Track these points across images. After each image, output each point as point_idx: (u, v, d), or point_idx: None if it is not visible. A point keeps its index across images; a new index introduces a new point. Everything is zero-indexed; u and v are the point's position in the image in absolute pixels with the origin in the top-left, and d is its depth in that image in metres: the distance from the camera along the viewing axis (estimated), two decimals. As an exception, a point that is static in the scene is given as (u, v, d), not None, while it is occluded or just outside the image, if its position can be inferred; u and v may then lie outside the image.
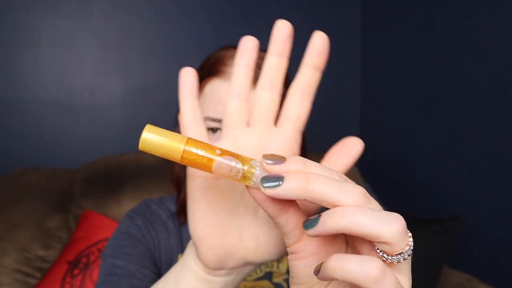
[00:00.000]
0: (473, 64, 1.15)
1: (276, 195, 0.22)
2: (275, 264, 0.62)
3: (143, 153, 1.34)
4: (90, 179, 1.26)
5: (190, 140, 0.24)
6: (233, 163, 0.23)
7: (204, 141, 0.28)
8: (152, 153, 0.23)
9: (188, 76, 0.29)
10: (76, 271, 1.05)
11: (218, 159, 0.23)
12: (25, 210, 1.17)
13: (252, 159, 0.24)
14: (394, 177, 1.53)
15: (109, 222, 1.17)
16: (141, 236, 0.59)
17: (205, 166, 0.24)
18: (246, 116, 0.29)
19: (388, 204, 1.45)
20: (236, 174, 0.24)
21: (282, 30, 0.29)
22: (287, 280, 0.61)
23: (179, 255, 0.61)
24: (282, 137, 0.30)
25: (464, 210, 1.17)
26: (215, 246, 0.30)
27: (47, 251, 1.12)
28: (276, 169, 0.23)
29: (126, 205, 1.20)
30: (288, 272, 0.62)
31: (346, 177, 0.24)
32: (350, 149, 0.30)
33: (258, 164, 0.24)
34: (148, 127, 0.23)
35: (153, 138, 0.23)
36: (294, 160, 0.23)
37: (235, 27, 1.58)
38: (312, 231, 0.22)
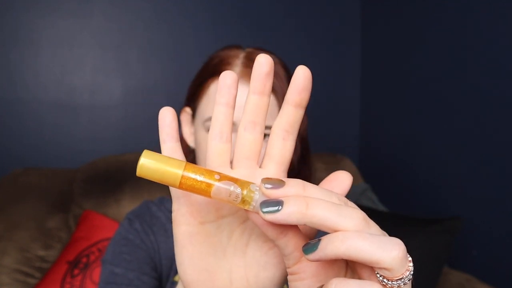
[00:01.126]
0: (473, 64, 1.15)
1: (275, 220, 0.22)
2: None
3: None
4: (90, 179, 1.26)
5: (188, 165, 0.24)
6: (232, 187, 0.24)
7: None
8: (150, 179, 0.23)
9: (167, 117, 0.28)
10: (76, 271, 1.05)
11: (217, 184, 0.23)
12: (25, 210, 1.17)
13: (251, 183, 0.24)
14: (394, 177, 1.53)
15: (109, 222, 1.17)
16: (139, 241, 0.59)
17: (204, 191, 0.24)
18: (228, 157, 0.29)
19: (388, 204, 1.45)
20: (235, 199, 0.24)
21: (263, 65, 0.27)
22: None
23: None
24: None
25: (464, 210, 1.17)
26: (196, 282, 0.30)
27: (47, 251, 1.12)
28: (275, 193, 0.23)
29: (126, 205, 1.20)
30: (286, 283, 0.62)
31: (346, 200, 0.25)
32: (338, 184, 0.29)
33: (257, 188, 0.24)
34: (145, 153, 0.23)
35: (151, 164, 0.23)
36: (293, 184, 0.23)
37: (235, 27, 1.58)
38: (312, 256, 0.22)
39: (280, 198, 0.23)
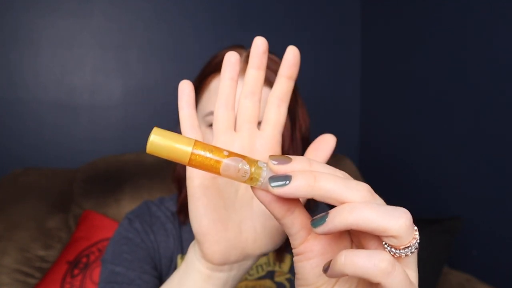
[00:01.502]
0: (473, 64, 1.15)
1: (284, 194, 0.22)
2: (277, 263, 0.62)
3: (143, 153, 1.34)
4: (90, 179, 1.26)
5: (197, 143, 0.24)
6: (240, 164, 0.24)
7: None
8: (160, 156, 0.24)
9: (186, 88, 0.32)
10: (76, 271, 1.05)
11: (226, 160, 0.24)
12: (25, 210, 1.16)
13: (258, 160, 0.24)
14: (394, 177, 1.53)
15: (109, 222, 1.17)
16: (140, 240, 0.60)
17: (213, 168, 0.24)
18: (233, 122, 0.33)
19: (388, 204, 1.45)
20: (244, 175, 0.24)
21: (259, 46, 0.32)
22: (289, 280, 0.61)
23: (179, 256, 0.61)
24: (265, 139, 0.34)
25: (464, 210, 1.17)
26: (219, 240, 0.32)
27: (47, 251, 1.12)
28: (283, 168, 0.23)
29: (126, 205, 1.20)
30: (290, 271, 0.62)
31: (349, 176, 0.25)
32: (324, 145, 0.34)
33: (265, 165, 0.24)
34: (155, 130, 0.23)
35: (161, 141, 0.23)
36: (299, 160, 0.24)
37: (235, 27, 1.58)
38: (321, 228, 0.23)
39: (288, 173, 0.23)
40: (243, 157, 0.24)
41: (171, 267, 0.61)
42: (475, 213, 1.14)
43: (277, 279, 0.61)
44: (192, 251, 0.35)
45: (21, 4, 1.38)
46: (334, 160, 1.51)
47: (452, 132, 1.23)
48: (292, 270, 0.62)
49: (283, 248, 0.61)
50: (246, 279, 0.60)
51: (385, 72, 1.60)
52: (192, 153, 0.23)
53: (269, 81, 0.55)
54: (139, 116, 1.51)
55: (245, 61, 0.57)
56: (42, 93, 1.42)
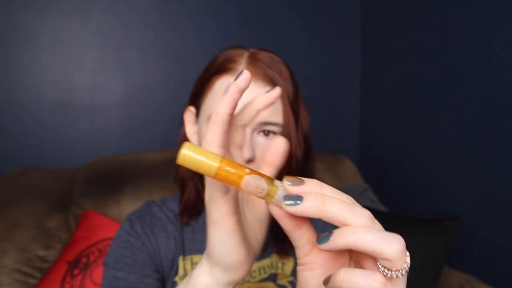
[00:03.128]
0: (473, 64, 1.15)
1: (295, 212, 0.26)
2: (279, 265, 0.62)
3: (143, 153, 1.34)
4: (90, 179, 1.26)
5: (224, 159, 0.27)
6: (260, 182, 0.27)
7: None
8: (189, 167, 0.26)
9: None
10: (76, 271, 1.05)
11: (247, 177, 0.27)
12: (25, 210, 1.16)
13: (275, 179, 0.28)
14: (394, 177, 1.53)
15: (109, 222, 1.17)
16: (140, 244, 0.60)
17: (235, 182, 0.27)
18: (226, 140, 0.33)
19: (388, 204, 1.45)
20: (262, 192, 0.27)
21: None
22: (291, 282, 0.61)
23: (181, 258, 0.61)
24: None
25: (464, 210, 1.17)
26: (245, 259, 0.33)
27: (47, 251, 1.12)
28: (296, 189, 0.27)
29: (126, 205, 1.20)
30: (292, 274, 0.62)
31: (354, 200, 0.28)
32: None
33: (281, 184, 0.28)
34: (186, 144, 0.26)
35: (192, 155, 0.26)
36: (311, 183, 0.27)
37: (235, 27, 1.58)
38: (324, 245, 0.26)
39: (300, 194, 0.26)
40: (261, 175, 0.27)
41: (173, 269, 0.61)
42: (475, 213, 1.14)
43: (280, 281, 0.61)
44: (209, 276, 0.34)
45: (21, 4, 1.38)
46: (334, 160, 1.51)
47: (452, 133, 1.23)
48: (294, 272, 0.62)
49: (287, 251, 0.62)
50: (248, 281, 0.60)
51: (385, 72, 1.60)
52: (218, 168, 0.26)
53: (270, 79, 0.55)
54: (139, 116, 1.51)
55: (248, 62, 0.57)
56: (42, 93, 1.42)
